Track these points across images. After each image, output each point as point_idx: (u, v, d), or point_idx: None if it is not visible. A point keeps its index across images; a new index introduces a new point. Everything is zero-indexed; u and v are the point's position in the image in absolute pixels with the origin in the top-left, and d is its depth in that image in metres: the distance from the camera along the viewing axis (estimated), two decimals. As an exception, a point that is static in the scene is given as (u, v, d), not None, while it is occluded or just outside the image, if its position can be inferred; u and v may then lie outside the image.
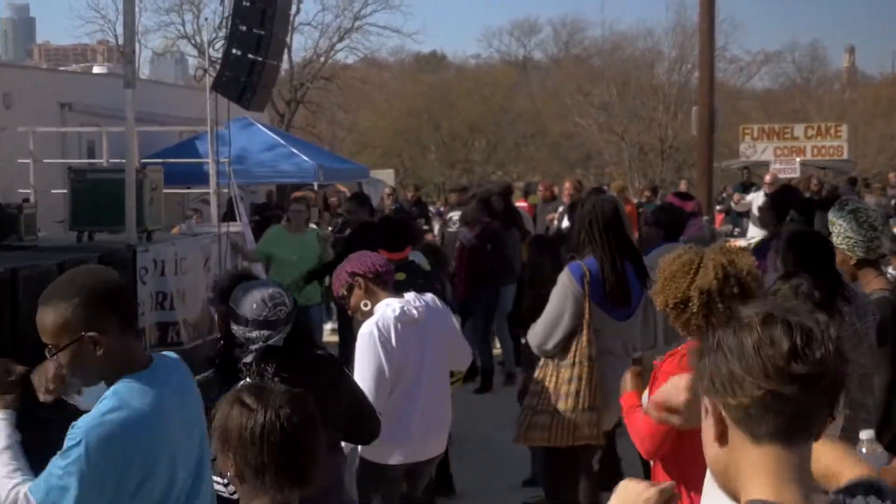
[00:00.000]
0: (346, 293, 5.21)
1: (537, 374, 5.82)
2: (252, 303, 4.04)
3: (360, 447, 5.06)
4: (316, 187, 17.46)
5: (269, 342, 4.03)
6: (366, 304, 5.19)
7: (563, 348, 5.70)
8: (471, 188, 16.66)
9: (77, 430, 2.83)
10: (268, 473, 2.66)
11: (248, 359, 4.02)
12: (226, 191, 12.49)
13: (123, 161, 9.83)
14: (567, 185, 14.71)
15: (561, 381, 5.70)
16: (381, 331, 5.08)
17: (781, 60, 54.32)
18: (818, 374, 1.84)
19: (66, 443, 2.84)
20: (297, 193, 13.55)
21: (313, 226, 12.07)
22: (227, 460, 2.71)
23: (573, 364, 5.67)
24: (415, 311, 5.19)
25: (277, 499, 2.67)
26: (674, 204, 9.97)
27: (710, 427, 1.91)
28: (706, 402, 1.91)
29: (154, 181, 10.20)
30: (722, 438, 1.89)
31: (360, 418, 4.45)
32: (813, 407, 1.86)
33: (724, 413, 1.88)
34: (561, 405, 5.67)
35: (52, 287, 3.00)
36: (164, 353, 3.21)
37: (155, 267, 9.60)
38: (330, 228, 13.25)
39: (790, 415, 1.85)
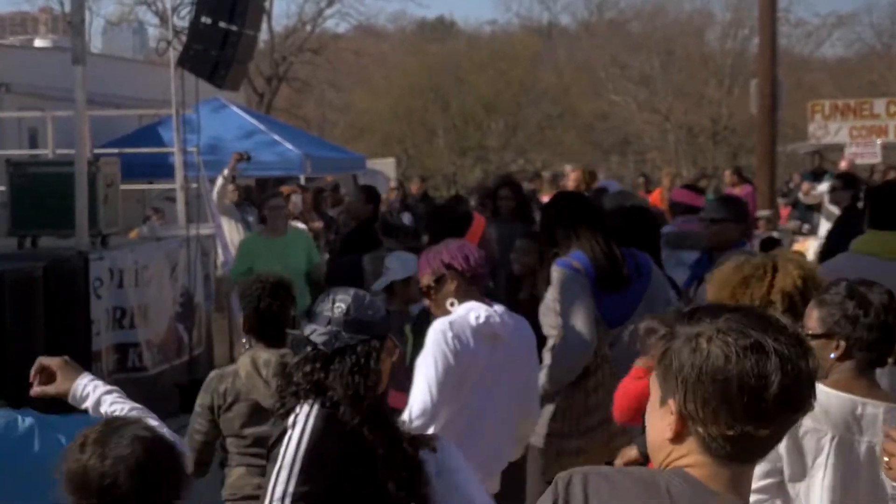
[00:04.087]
0: (432, 284, 5.26)
1: (557, 399, 5.91)
2: (321, 299, 4.10)
3: None
4: (303, 181, 17.44)
5: (311, 337, 3.99)
6: (452, 304, 5.25)
7: None
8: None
9: None
10: None
11: (293, 359, 4.06)
12: (195, 186, 12.47)
13: (72, 152, 9.81)
14: (572, 175, 14.33)
15: (583, 394, 5.83)
16: (455, 333, 5.13)
17: (857, 23, 54.26)
18: (801, 413, 2.18)
19: None
20: (285, 189, 13.51)
21: (299, 225, 12.01)
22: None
23: (593, 370, 5.81)
24: (499, 327, 5.24)
25: None
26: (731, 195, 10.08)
27: (666, 424, 2.21)
28: (670, 402, 2.19)
29: (109, 175, 10.19)
30: (677, 440, 2.20)
31: None
32: (782, 434, 2.21)
33: (687, 424, 2.18)
34: (590, 420, 5.74)
35: None
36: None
37: (111, 278, 9.58)
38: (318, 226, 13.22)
39: (757, 446, 2.19)
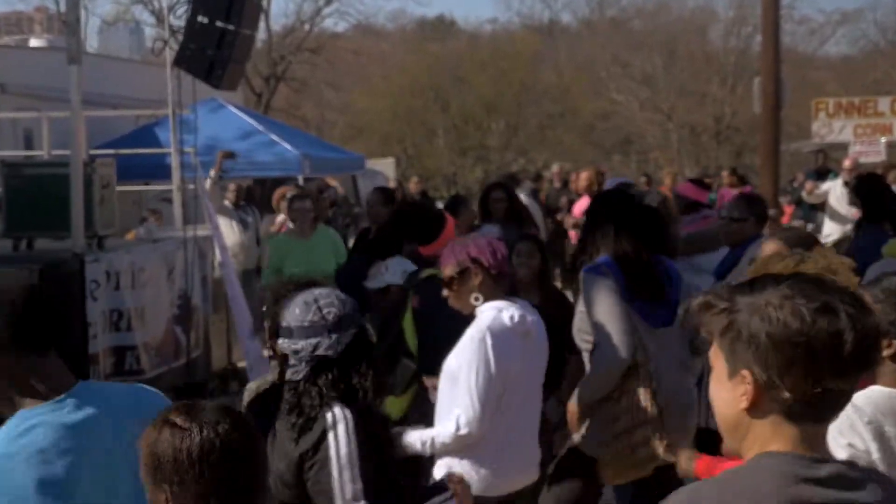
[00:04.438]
0: (455, 276, 5.27)
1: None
2: (295, 308, 4.06)
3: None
4: (301, 181, 17.44)
5: (318, 352, 4.01)
6: (477, 299, 5.27)
7: None
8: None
9: None
10: (211, 500, 2.72)
11: (298, 376, 4.02)
12: (191, 187, 12.48)
13: (68, 153, 9.81)
14: (584, 175, 14.28)
15: (609, 402, 5.76)
16: (494, 339, 5.16)
17: (861, 20, 54.37)
18: (870, 368, 2.28)
19: None
20: (282, 189, 13.49)
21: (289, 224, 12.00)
22: (161, 493, 2.75)
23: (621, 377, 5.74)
24: (529, 324, 5.29)
25: None
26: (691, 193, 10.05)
27: (740, 395, 2.27)
28: (744, 373, 2.26)
29: (105, 176, 10.19)
30: (754, 409, 2.27)
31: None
32: (854, 390, 2.30)
33: (765, 392, 2.25)
34: (614, 428, 5.72)
35: None
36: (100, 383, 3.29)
37: (108, 280, 9.58)
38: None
39: (835, 402, 2.27)
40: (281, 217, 12.59)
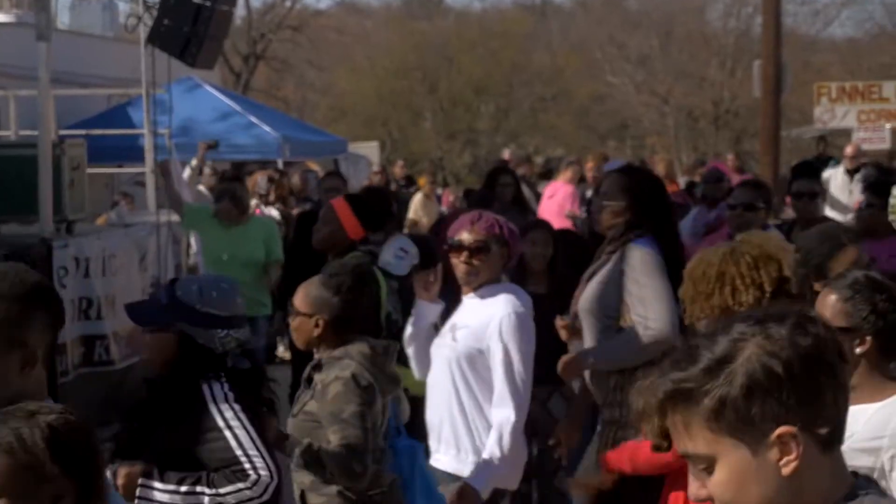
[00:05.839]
0: (483, 244, 5.22)
1: (612, 382, 5.88)
2: (224, 297, 4.01)
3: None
4: (281, 165, 17.44)
5: (246, 340, 4.12)
6: (503, 279, 5.37)
7: None
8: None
9: None
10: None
11: (248, 365, 4.05)
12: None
13: (36, 133, 9.82)
14: (589, 163, 14.57)
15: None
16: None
17: (867, 2, 54.31)
18: None
19: None
20: (256, 174, 13.49)
21: (273, 211, 11.98)
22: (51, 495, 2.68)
23: (658, 360, 5.69)
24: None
25: None
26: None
27: (777, 462, 2.01)
28: (780, 431, 2.00)
29: (75, 158, 10.19)
30: (798, 469, 2.01)
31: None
32: None
33: (805, 439, 2.00)
34: None
35: None
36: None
37: (77, 266, 9.59)
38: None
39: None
40: (254, 201, 12.58)
